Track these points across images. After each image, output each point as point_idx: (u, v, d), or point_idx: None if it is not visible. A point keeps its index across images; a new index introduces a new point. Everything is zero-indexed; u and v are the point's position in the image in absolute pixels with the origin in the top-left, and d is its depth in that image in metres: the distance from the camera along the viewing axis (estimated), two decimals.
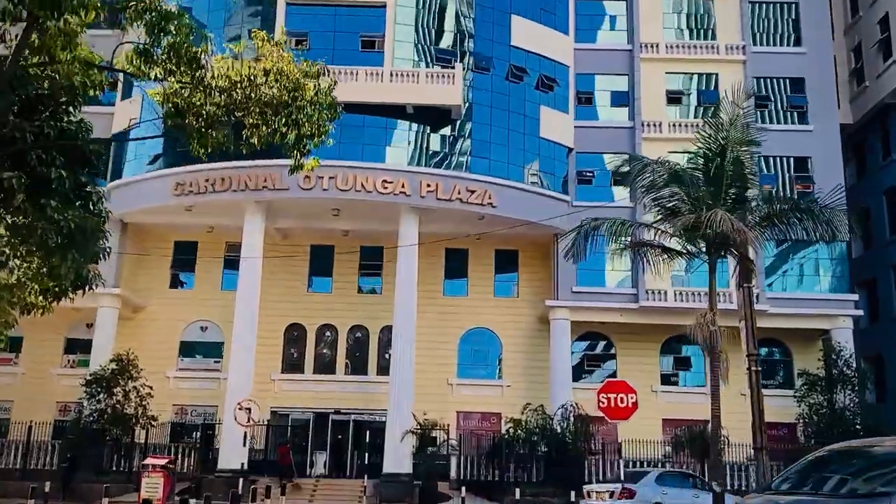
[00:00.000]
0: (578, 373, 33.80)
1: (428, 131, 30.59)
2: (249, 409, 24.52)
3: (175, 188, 29.97)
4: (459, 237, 33.80)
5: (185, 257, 34.70)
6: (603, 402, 17.72)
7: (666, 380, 34.11)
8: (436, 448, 29.27)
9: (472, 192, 29.94)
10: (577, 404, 28.15)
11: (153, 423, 28.95)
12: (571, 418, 27.95)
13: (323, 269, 34.82)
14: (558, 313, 31.98)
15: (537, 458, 28.74)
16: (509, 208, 30.62)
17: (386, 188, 29.15)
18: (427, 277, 33.82)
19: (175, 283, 34.72)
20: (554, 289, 32.49)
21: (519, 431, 28.60)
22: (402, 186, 29.22)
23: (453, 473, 29.68)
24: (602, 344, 34.51)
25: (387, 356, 31.96)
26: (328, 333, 34.50)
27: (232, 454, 28.35)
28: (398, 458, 28.34)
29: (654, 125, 33.25)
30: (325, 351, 34.40)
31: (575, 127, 33.02)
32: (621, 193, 33.11)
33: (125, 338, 32.02)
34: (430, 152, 30.74)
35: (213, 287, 34.13)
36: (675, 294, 31.54)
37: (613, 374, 34.04)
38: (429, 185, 29.47)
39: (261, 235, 30.17)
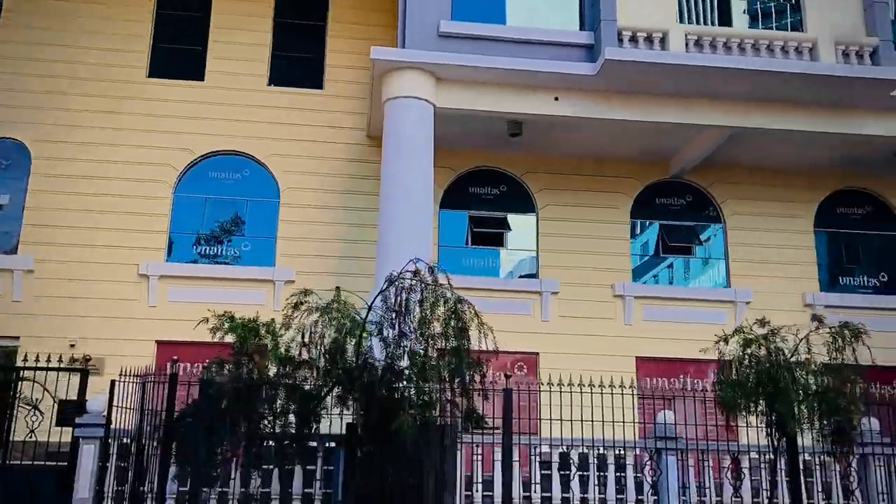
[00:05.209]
0: (459, 257, 15.10)
1: None
2: None
3: None
4: None
5: None
6: None
7: (643, 271, 15.74)
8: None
9: None
10: (433, 268, 9.06)
11: None
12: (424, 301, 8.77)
13: None
14: (405, 82, 12.58)
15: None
16: None
17: None
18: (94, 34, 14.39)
19: None
20: (399, 33, 13.42)
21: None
22: None
23: (84, 489, 10.03)
24: (493, 188, 15.65)
25: None
26: None
27: None
28: None
29: None
30: None
31: None
32: None
33: None
34: None
35: None
36: (687, 39, 12.98)
37: (531, 263, 15.41)
38: None
39: None
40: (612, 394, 10.50)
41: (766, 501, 9.71)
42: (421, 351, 8.67)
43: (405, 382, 8.78)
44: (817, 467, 10.59)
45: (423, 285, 8.84)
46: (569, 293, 14.88)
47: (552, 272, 14.98)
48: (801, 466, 10.73)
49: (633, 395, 10.93)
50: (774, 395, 8.34)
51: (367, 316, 9.19)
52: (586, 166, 15.44)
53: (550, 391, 10.46)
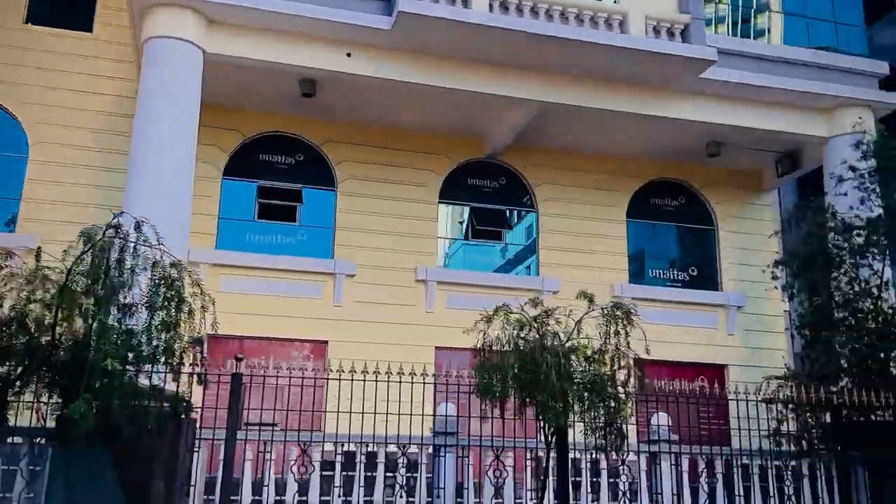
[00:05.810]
0: (244, 232, 13.43)
1: None
2: None
3: None
4: None
5: None
6: None
7: (453, 252, 14.65)
8: None
9: None
10: (140, 223, 7.37)
11: None
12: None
13: None
14: (167, 20, 10.76)
15: None
16: None
17: None
18: None
19: None
20: None
21: None
22: None
23: None
24: (288, 157, 14.09)
25: None
26: None
27: None
28: None
29: None
30: None
31: None
32: None
33: None
34: None
35: None
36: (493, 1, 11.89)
37: (316, 238, 13.98)
38: None
39: None
40: (399, 383, 8.93)
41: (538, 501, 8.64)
42: (115, 324, 7.00)
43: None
44: (602, 465, 9.69)
45: (123, 244, 7.17)
46: (367, 276, 13.51)
47: (349, 253, 13.57)
48: (587, 465, 9.85)
49: (423, 384, 9.49)
50: (537, 383, 7.22)
51: (66, 282, 7.43)
52: (392, 139, 14.14)
53: (328, 380, 8.97)
